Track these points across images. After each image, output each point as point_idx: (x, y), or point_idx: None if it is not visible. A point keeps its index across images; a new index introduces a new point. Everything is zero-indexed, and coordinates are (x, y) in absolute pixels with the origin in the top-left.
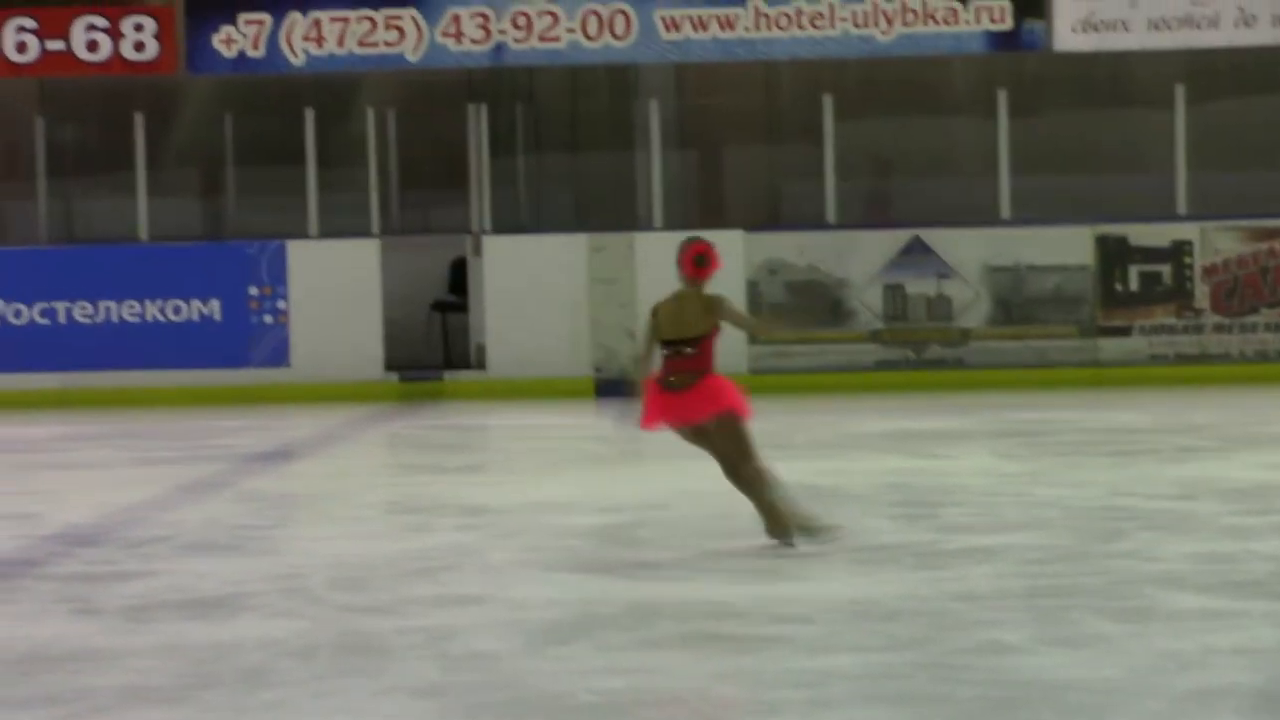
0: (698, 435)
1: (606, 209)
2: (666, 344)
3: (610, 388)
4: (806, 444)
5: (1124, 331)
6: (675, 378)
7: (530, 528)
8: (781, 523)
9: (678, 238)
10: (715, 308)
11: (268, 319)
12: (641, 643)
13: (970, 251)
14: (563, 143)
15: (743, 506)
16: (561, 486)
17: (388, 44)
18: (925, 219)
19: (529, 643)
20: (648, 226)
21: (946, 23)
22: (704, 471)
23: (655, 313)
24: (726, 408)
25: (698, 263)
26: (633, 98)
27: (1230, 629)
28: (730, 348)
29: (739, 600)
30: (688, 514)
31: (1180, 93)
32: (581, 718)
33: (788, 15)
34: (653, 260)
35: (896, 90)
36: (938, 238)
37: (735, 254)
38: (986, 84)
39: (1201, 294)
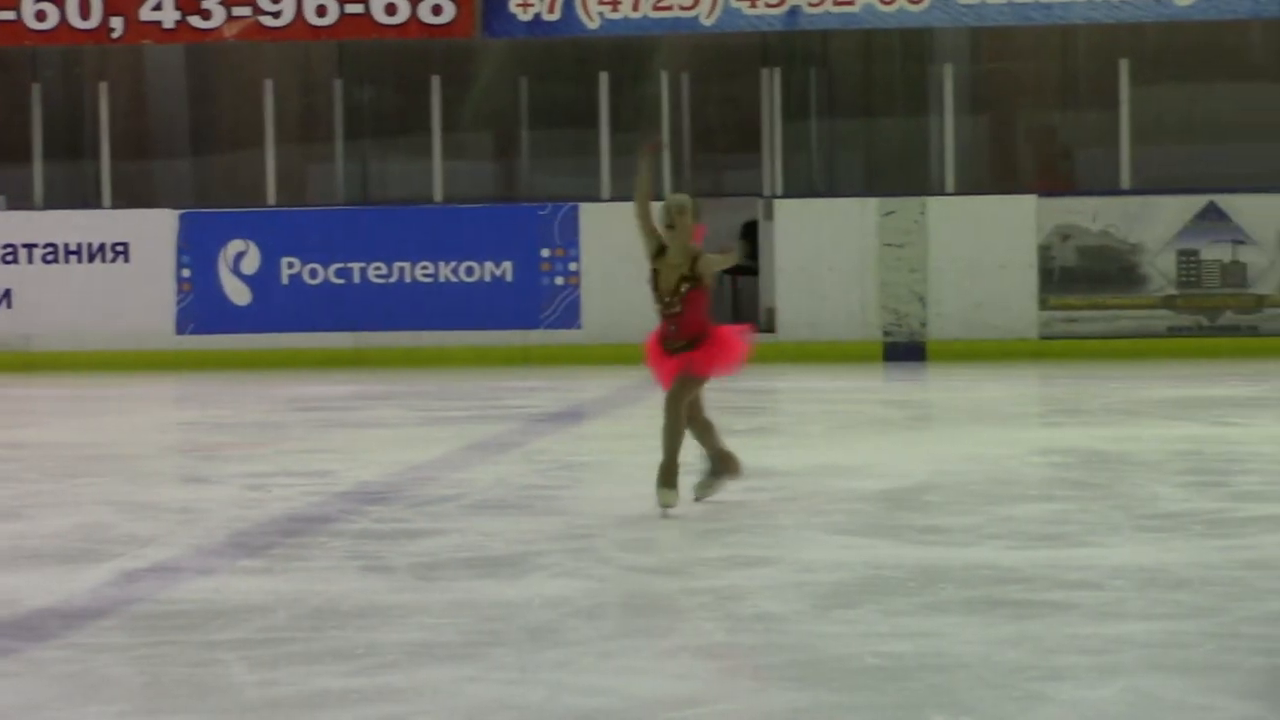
0: None
1: (898, 173)
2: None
3: (900, 351)
4: (1097, 410)
5: None
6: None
7: (818, 491)
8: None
9: (970, 202)
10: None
11: (559, 281)
12: (927, 607)
13: (1267, 217)
14: (855, 107)
15: (1031, 472)
16: (849, 450)
17: (682, 8)
18: (1221, 184)
19: (815, 605)
20: (939, 191)
21: None
22: (991, 437)
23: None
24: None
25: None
26: (927, 62)
27: None
28: (1020, 314)
29: (1025, 565)
30: (974, 479)
31: None
32: (866, 681)
33: None
34: (944, 224)
35: (1194, 54)
36: (1233, 203)
37: (1027, 219)
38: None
39: None
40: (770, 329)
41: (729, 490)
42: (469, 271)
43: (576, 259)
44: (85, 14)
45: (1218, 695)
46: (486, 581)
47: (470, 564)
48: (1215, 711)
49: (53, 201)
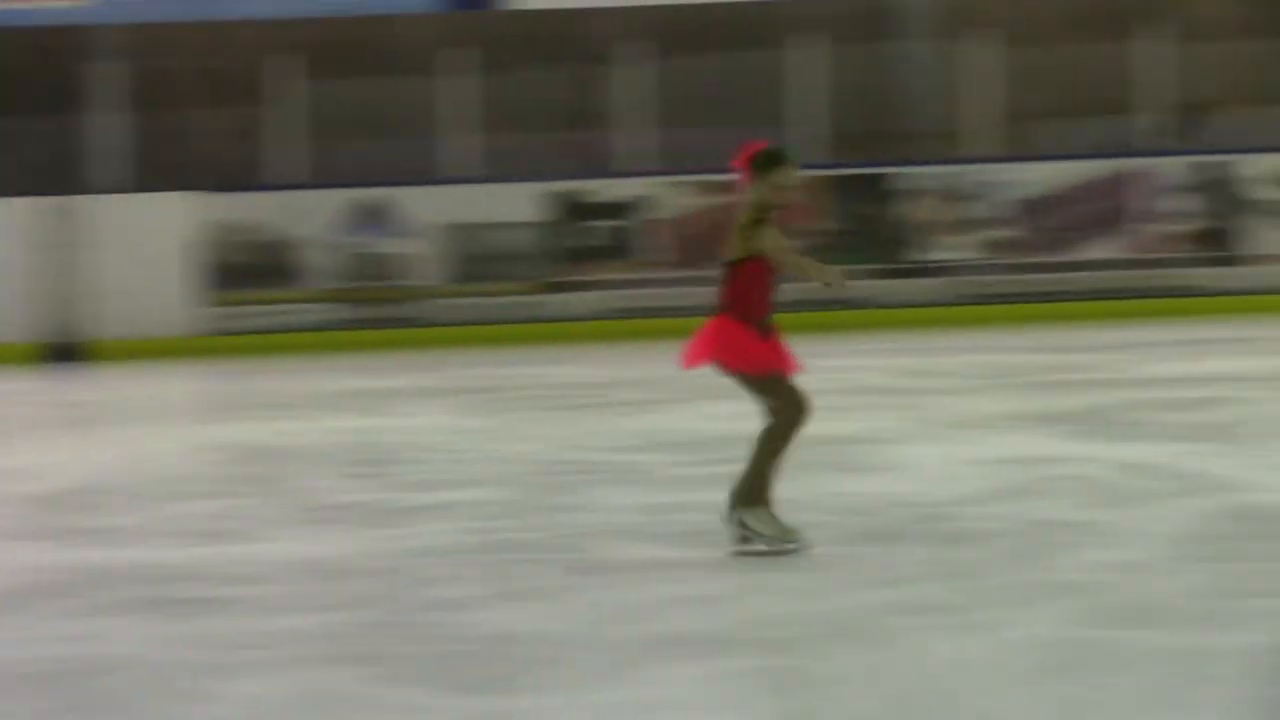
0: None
1: (51, 174)
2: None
3: (59, 351)
4: (261, 405)
5: (578, 287)
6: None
7: None
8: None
9: (124, 201)
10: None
11: None
12: (89, 609)
13: (426, 210)
14: (7, 106)
15: (194, 469)
16: (6, 454)
17: None
18: (381, 178)
19: None
20: (96, 190)
21: None
22: (153, 435)
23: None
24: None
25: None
26: (84, 59)
27: (676, 579)
28: (181, 311)
29: (192, 563)
30: (137, 478)
31: (639, 50)
32: (26, 687)
33: None
34: (101, 224)
35: (354, 50)
36: (393, 196)
37: (185, 218)
38: (449, 43)
39: (655, 249)
40: None
41: None
42: None
43: None
44: None
45: (382, 684)
46: None
47: None
48: (380, 700)
49: None
